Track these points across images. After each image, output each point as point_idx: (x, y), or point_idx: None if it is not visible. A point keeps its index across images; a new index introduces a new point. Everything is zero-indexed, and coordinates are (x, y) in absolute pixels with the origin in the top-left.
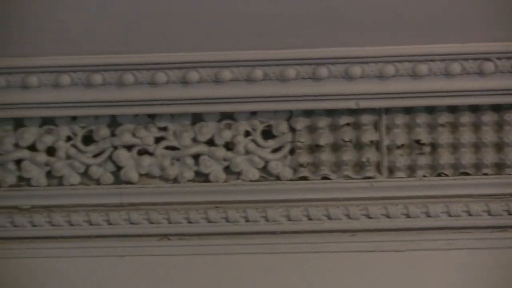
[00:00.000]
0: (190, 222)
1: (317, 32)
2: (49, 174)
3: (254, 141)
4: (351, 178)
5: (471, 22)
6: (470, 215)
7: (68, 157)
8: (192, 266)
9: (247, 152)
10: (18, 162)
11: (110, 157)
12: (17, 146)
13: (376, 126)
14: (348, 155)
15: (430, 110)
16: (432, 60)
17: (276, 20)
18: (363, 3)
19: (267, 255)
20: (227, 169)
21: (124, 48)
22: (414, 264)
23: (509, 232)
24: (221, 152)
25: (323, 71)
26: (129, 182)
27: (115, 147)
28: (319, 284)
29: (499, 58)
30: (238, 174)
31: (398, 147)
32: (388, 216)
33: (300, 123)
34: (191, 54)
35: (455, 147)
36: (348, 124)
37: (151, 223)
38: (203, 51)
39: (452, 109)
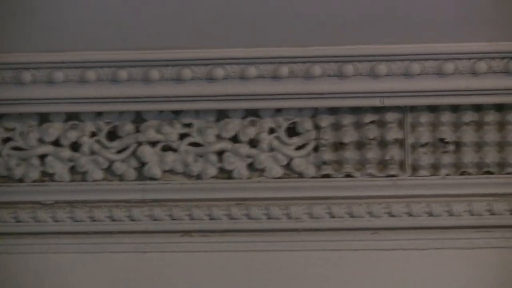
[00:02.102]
0: (212, 219)
1: (342, 30)
2: (72, 170)
3: (278, 138)
4: (375, 176)
5: (498, 20)
6: (493, 214)
7: (92, 152)
8: (214, 263)
9: (271, 149)
10: (42, 157)
11: (134, 153)
12: (41, 141)
13: (400, 124)
14: (372, 153)
15: (455, 108)
16: (458, 59)
17: (302, 18)
18: (390, 3)
19: (289, 253)
20: (250, 166)
21: (150, 44)
22: (436, 263)
23: None
24: (245, 149)
25: (348, 68)
26: (152, 178)
27: (139, 143)
28: (341, 282)
29: None
30: (262, 171)
31: (422, 146)
32: (410, 215)
33: (325, 121)
34: (217, 51)
35: (479, 146)
36: (372, 122)
37: (174, 219)
38: (229, 47)
39: (477, 108)
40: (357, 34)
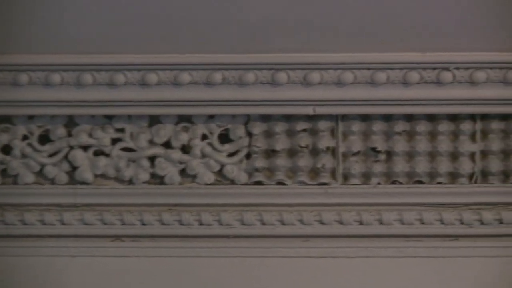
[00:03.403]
0: (143, 224)
1: (276, 37)
2: (3, 173)
3: (210, 144)
4: (306, 184)
5: (430, 31)
6: (422, 223)
7: (24, 156)
8: (144, 268)
9: (203, 155)
10: None
11: (65, 157)
12: None
13: (332, 133)
14: (304, 161)
15: (387, 118)
16: (390, 69)
17: (235, 25)
18: (324, 11)
19: (219, 259)
20: (182, 172)
21: (83, 49)
22: (365, 271)
23: (461, 241)
24: (177, 154)
25: (281, 76)
26: (84, 183)
27: (71, 147)
28: None
29: (457, 68)
30: (194, 177)
31: (354, 154)
32: (341, 223)
33: (257, 128)
34: (150, 56)
35: (410, 156)
36: (304, 130)
37: (105, 224)
38: (162, 53)
39: (409, 118)
40: (289, 42)
